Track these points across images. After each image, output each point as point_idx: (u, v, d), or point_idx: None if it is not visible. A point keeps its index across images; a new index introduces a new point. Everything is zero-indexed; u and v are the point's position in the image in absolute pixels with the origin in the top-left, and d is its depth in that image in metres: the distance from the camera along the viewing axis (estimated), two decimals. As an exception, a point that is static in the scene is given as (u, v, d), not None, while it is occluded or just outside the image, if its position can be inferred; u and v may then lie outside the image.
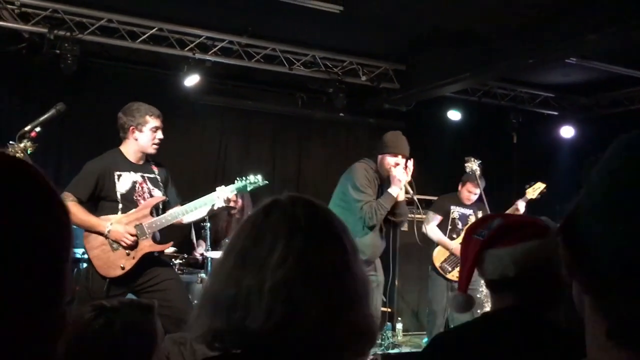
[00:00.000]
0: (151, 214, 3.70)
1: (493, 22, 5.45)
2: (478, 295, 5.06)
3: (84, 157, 6.31)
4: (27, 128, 3.47)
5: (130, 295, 3.73)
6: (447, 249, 5.46)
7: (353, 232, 3.84)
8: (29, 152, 3.45)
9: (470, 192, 5.43)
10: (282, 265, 1.00)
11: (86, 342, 1.53)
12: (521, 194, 5.55)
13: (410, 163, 4.32)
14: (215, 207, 3.82)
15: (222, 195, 3.78)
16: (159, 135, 3.79)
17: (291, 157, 7.58)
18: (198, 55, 6.07)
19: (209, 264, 5.07)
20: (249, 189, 3.98)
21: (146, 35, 5.83)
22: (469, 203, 5.47)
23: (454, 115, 7.51)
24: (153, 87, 6.59)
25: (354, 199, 4.23)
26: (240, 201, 6.06)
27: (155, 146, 3.80)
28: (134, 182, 3.73)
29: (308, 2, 5.02)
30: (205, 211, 3.82)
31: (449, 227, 5.54)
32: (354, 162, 7.67)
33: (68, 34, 5.57)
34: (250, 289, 1.01)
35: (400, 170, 4.24)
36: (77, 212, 3.54)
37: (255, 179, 3.96)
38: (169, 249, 5.54)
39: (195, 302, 5.16)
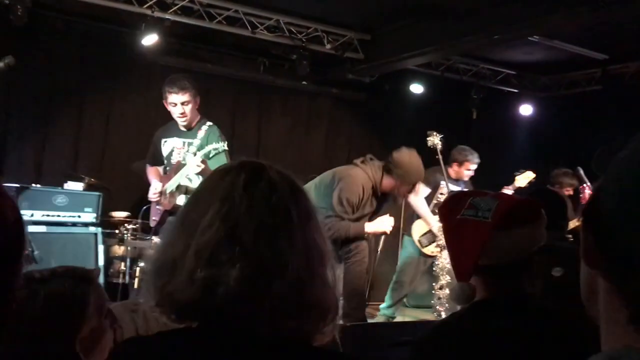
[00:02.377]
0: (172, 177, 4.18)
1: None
2: (434, 269, 5.12)
3: (33, 115, 6.12)
4: (-28, 81, 3.28)
5: None
6: (428, 225, 5.43)
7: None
8: (-27, 106, 3.26)
9: (470, 170, 5.43)
10: (208, 229, 0.96)
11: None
12: (509, 181, 5.59)
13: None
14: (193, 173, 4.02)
15: (193, 162, 3.90)
16: (179, 109, 4.09)
17: (251, 124, 7.43)
18: (157, 13, 5.82)
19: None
20: (212, 155, 4.02)
21: (103, -11, 5.55)
22: (466, 179, 5.45)
23: (416, 88, 7.50)
24: (109, 45, 6.33)
25: (332, 206, 4.15)
26: None
27: (179, 119, 4.16)
28: (173, 148, 4.21)
29: (274, -36, 4.86)
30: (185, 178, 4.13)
31: (434, 201, 5.49)
32: (313, 132, 7.68)
33: (18, -17, 5.25)
34: (178, 253, 0.98)
35: (388, 225, 4.24)
36: (148, 171, 4.45)
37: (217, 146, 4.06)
38: (122, 214, 5.42)
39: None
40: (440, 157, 5.05)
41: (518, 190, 5.56)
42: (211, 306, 0.94)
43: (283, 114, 7.61)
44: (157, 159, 4.35)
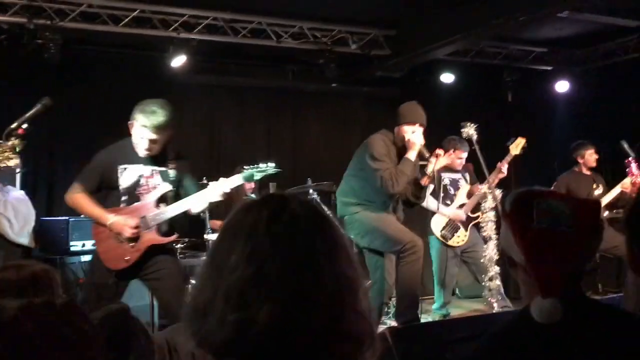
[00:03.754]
0: (156, 206, 3.61)
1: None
2: (482, 261, 5.05)
3: (76, 147, 6.31)
4: (14, 125, 3.37)
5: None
6: (445, 216, 5.43)
7: (369, 203, 3.80)
8: (17, 149, 3.37)
9: (461, 158, 5.45)
10: (234, 271, 0.96)
11: None
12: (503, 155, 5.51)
13: (420, 130, 4.38)
14: (213, 200, 3.62)
15: (218, 190, 3.57)
16: (144, 144, 3.51)
17: (286, 132, 7.50)
18: (183, 35, 5.95)
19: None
20: (256, 177, 3.71)
21: (128, 18, 5.70)
22: (459, 168, 5.46)
23: (447, 77, 7.41)
24: (140, 71, 6.50)
25: (372, 168, 4.23)
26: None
27: (142, 149, 3.54)
28: (140, 176, 3.59)
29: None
30: (206, 203, 3.68)
31: (442, 194, 5.48)
32: (349, 133, 7.67)
33: (48, 22, 5.45)
34: (208, 297, 0.98)
35: (415, 135, 4.31)
36: (84, 203, 3.55)
37: (265, 167, 3.67)
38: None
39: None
40: (476, 147, 4.98)
41: (515, 158, 5.42)
42: (244, 348, 0.95)
43: (317, 118, 7.66)
44: (110, 186, 3.61)
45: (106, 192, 3.62)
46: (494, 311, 4.78)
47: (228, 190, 3.59)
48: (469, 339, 3.04)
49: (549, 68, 7.75)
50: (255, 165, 3.68)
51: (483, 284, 4.95)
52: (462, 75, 7.45)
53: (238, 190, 6.00)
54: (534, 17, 5.71)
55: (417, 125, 4.36)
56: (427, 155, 4.37)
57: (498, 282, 4.82)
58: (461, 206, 5.50)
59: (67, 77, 6.13)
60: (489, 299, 4.82)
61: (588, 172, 5.98)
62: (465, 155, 5.43)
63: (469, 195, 5.49)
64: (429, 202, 5.43)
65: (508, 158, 5.38)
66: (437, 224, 5.47)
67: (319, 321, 0.96)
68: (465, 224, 5.44)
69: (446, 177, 5.54)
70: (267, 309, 0.93)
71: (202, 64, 6.71)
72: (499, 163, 5.40)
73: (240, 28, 6.20)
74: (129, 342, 1.64)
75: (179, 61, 6.10)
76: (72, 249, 4.61)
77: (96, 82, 6.35)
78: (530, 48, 7.42)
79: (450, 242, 5.41)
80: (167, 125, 3.50)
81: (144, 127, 3.47)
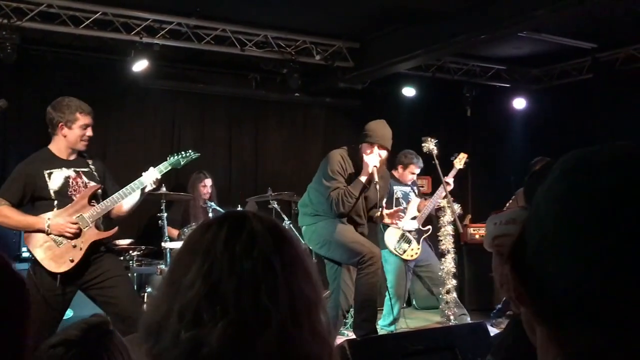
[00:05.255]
0: (90, 203, 3.68)
1: (445, -2, 5.43)
2: (439, 274, 5.11)
3: (30, 151, 6.09)
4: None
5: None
6: (397, 228, 5.46)
7: (326, 214, 3.80)
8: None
9: (414, 174, 5.54)
10: (190, 289, 0.95)
11: None
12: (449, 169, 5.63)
13: (383, 153, 4.36)
14: (147, 190, 3.83)
15: (150, 177, 3.79)
16: (89, 132, 3.72)
17: (248, 140, 7.46)
18: (145, 39, 5.86)
19: (168, 255, 4.97)
20: (182, 163, 4.08)
21: (90, 20, 5.58)
22: (409, 183, 5.55)
23: (409, 91, 7.52)
24: (100, 74, 6.38)
25: (324, 185, 4.25)
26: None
27: (84, 143, 3.73)
28: (67, 178, 3.66)
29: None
30: (137, 195, 3.80)
31: (394, 206, 5.53)
32: (311, 143, 7.70)
33: (5, 21, 5.29)
34: (163, 315, 0.97)
35: (371, 156, 4.28)
36: (12, 214, 3.54)
37: (187, 153, 4.09)
38: (126, 241, 5.43)
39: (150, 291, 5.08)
40: (436, 162, 5.06)
41: (459, 172, 5.59)
42: None
43: (279, 127, 7.65)
44: (38, 196, 3.59)
45: (34, 203, 3.62)
46: (450, 323, 4.83)
47: (159, 177, 3.83)
48: (427, 351, 3.07)
49: (507, 85, 7.95)
50: (179, 153, 4.12)
51: (440, 296, 5.00)
52: (423, 89, 7.57)
53: (195, 196, 5.97)
54: (494, 36, 5.85)
55: (376, 147, 4.36)
56: (375, 180, 4.33)
57: (455, 295, 4.89)
58: (413, 218, 5.56)
59: (24, 78, 5.97)
60: (446, 312, 4.88)
61: None
62: (418, 171, 5.55)
63: (419, 209, 5.56)
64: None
65: (453, 172, 5.51)
66: (391, 238, 5.49)
67: (272, 342, 0.94)
68: (417, 238, 5.49)
69: (398, 190, 5.60)
70: (221, 327, 0.92)
71: (164, 69, 6.63)
72: (444, 177, 5.51)
73: (204, 34, 6.15)
74: (108, 357, 1.60)
75: (140, 66, 6.01)
76: (23, 255, 4.47)
77: (53, 84, 6.19)
78: (490, 65, 7.60)
79: (404, 256, 5.44)
80: None
81: (87, 115, 3.68)
